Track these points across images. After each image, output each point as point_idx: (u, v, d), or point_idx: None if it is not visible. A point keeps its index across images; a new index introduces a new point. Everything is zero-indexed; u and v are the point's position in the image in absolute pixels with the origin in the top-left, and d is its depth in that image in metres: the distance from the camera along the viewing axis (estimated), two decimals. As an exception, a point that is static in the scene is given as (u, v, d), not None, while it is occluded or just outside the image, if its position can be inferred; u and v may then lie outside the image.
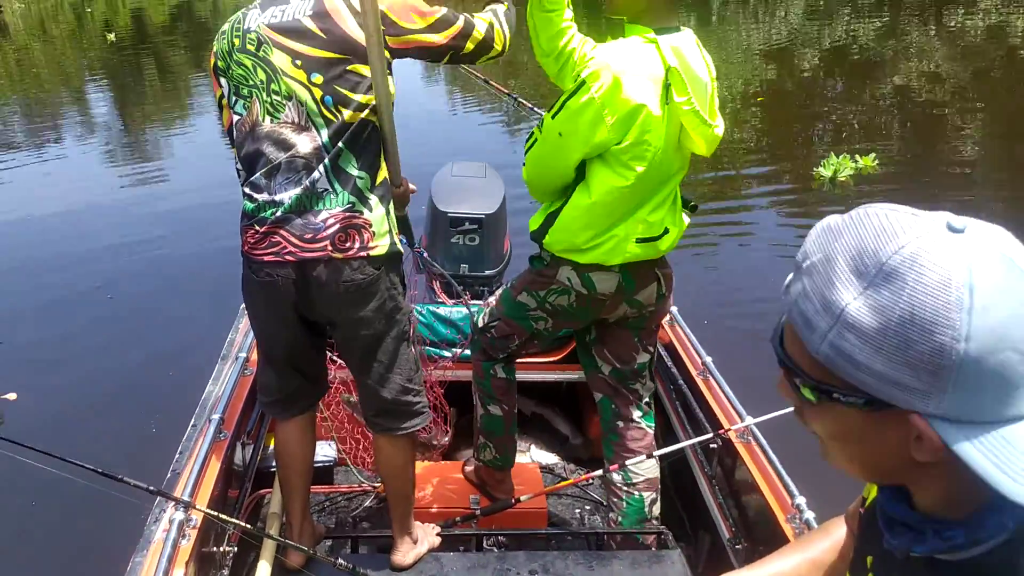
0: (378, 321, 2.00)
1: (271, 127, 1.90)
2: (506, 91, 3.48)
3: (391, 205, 2.04)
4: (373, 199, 1.95)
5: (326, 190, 1.90)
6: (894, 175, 7.22)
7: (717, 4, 17.61)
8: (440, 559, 2.21)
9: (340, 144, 1.89)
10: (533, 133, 2.13)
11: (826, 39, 13.06)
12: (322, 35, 1.87)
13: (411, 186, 2.27)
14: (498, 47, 2.09)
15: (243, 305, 2.21)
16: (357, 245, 1.92)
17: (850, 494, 1.03)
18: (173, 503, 1.97)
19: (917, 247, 0.65)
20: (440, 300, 3.46)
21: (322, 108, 1.88)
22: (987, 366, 0.62)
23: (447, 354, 3.02)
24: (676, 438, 2.66)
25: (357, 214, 1.92)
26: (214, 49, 1.99)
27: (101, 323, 5.20)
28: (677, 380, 2.86)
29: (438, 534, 2.32)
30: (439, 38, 1.99)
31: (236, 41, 1.93)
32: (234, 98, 1.95)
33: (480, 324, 2.47)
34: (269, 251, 1.92)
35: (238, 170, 2.01)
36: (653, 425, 2.45)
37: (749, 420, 2.38)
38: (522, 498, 2.45)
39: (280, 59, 1.88)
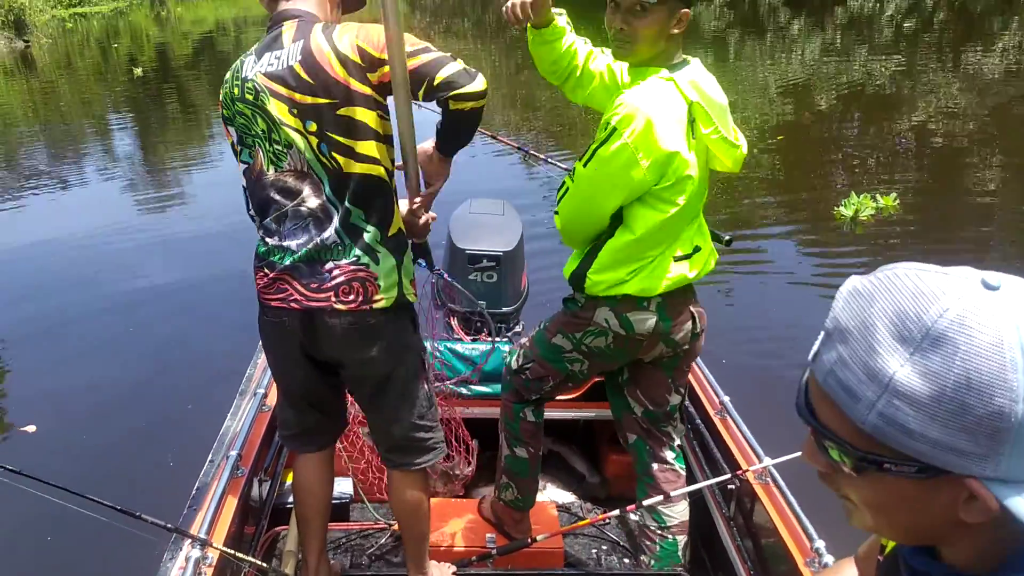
0: (385, 361, 2.00)
1: (275, 176, 1.92)
2: (516, 144, 3.59)
3: (407, 253, 2.03)
4: (383, 251, 1.95)
5: (336, 243, 1.91)
6: (914, 214, 7.18)
7: (734, 42, 17.74)
8: (456, 599, 2.19)
9: (347, 204, 1.89)
10: (564, 182, 2.13)
11: (843, 77, 13.10)
12: (310, 80, 1.83)
13: (431, 214, 2.21)
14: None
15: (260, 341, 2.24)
16: (360, 299, 1.93)
17: (868, 537, 1.02)
18: (190, 540, 1.97)
19: (962, 309, 0.63)
20: (458, 336, 3.47)
21: (319, 156, 1.87)
22: None
23: (464, 391, 3.02)
24: (694, 478, 2.64)
25: (363, 267, 1.93)
26: (220, 97, 1.98)
27: (121, 355, 5.23)
28: (695, 419, 2.83)
29: (454, 573, 2.30)
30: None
31: (236, 91, 1.92)
32: (240, 147, 1.97)
33: (514, 366, 2.44)
34: (276, 296, 1.95)
35: (251, 215, 2.03)
36: (684, 467, 2.43)
37: (768, 461, 2.35)
38: (538, 538, 2.43)
39: (277, 108, 1.86)
